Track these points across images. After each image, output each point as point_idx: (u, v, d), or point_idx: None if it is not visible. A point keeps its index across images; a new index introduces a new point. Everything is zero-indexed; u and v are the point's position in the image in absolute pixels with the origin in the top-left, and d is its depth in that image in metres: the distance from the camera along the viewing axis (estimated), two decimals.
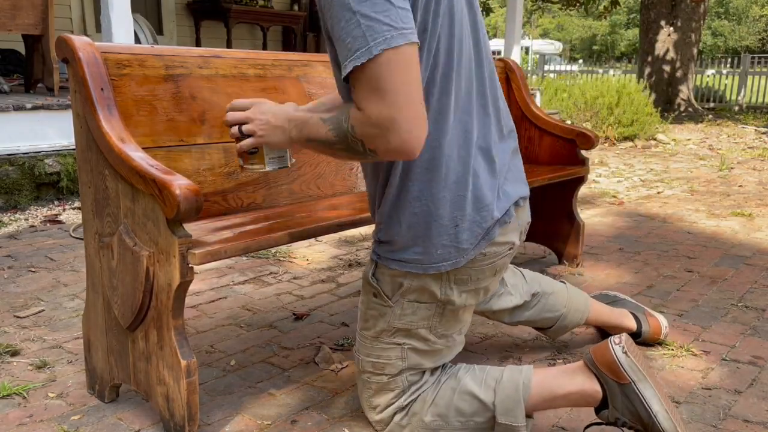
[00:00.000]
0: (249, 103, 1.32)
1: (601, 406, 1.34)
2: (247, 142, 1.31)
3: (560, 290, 1.77)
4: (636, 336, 1.87)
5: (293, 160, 1.42)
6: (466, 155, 1.25)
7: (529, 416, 1.35)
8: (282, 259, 2.83)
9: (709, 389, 1.68)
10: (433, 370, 1.41)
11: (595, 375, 1.34)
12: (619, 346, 1.32)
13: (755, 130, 8.74)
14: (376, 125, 1.03)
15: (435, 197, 1.24)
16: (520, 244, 1.41)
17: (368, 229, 3.37)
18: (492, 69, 1.34)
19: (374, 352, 1.38)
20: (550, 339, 1.82)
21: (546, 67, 16.76)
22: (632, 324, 1.88)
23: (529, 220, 1.46)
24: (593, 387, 1.33)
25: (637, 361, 1.31)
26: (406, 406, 1.38)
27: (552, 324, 1.76)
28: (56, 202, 3.75)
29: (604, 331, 1.96)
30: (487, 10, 12.76)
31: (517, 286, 1.70)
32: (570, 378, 1.35)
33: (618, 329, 1.87)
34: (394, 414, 1.39)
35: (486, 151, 1.30)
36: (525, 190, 1.40)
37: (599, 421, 1.37)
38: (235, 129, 1.32)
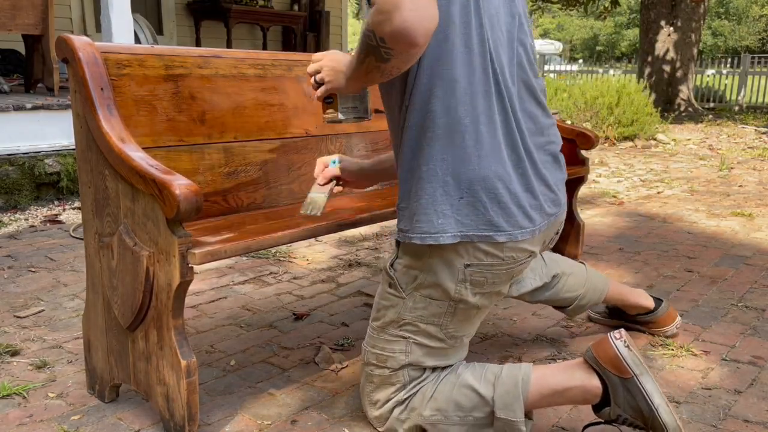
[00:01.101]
0: (321, 56, 1.39)
1: (600, 404, 1.34)
2: (320, 90, 1.39)
3: (580, 271, 1.81)
4: (651, 312, 1.93)
5: (371, 116, 1.47)
6: (486, 132, 1.24)
7: (528, 417, 1.35)
8: (282, 259, 2.83)
9: (709, 389, 1.68)
10: (434, 368, 1.41)
11: (596, 371, 1.33)
12: (620, 340, 1.32)
13: (755, 130, 8.75)
14: (381, 9, 1.03)
15: (446, 163, 1.24)
16: (543, 249, 1.43)
17: (368, 229, 3.37)
18: (524, 58, 1.33)
19: (379, 344, 1.39)
20: (569, 317, 1.87)
21: (546, 67, 16.76)
22: (650, 303, 1.93)
23: (560, 228, 1.46)
24: (593, 383, 1.33)
25: (638, 355, 1.31)
26: (405, 400, 1.39)
27: (570, 303, 1.80)
28: (56, 202, 3.75)
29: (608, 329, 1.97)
30: None
31: (536, 269, 1.71)
32: (570, 374, 1.35)
33: (636, 308, 1.92)
34: (393, 408, 1.39)
35: (511, 142, 1.28)
36: (558, 210, 1.39)
37: (598, 420, 1.37)
38: (312, 80, 1.40)
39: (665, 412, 1.29)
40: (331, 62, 1.36)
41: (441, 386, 1.37)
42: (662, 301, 1.94)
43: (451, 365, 1.43)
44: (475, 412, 1.34)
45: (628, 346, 1.32)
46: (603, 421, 1.36)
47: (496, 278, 1.32)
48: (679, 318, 1.97)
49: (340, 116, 1.41)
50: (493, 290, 1.35)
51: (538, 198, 1.32)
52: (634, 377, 1.30)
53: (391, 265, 1.37)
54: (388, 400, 1.40)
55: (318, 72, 1.39)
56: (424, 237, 1.27)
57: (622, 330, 1.35)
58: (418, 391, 1.38)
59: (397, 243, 1.37)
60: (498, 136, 1.26)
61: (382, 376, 1.39)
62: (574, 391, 1.34)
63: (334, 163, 1.60)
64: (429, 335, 1.36)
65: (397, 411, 1.39)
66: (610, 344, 1.33)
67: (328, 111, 1.43)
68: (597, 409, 1.35)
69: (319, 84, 1.40)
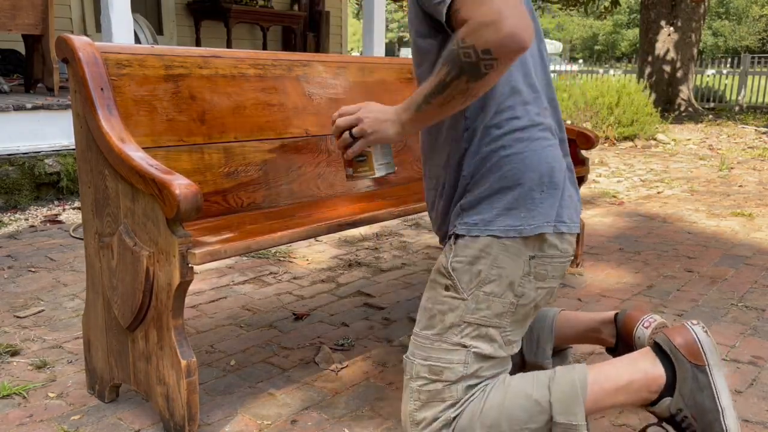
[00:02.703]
0: (356, 108, 1.31)
1: (659, 398, 1.26)
2: (358, 144, 1.31)
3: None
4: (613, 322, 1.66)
5: (395, 167, 1.42)
6: (550, 133, 1.29)
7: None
8: (282, 259, 2.83)
9: None
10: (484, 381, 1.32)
11: (664, 356, 1.26)
12: (698, 326, 1.28)
13: (755, 130, 8.74)
14: (484, 22, 1.05)
15: (525, 158, 1.24)
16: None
17: (368, 229, 3.37)
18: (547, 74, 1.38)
19: (434, 354, 1.27)
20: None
21: None
22: (609, 314, 1.64)
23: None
24: (657, 371, 1.25)
25: (715, 345, 1.26)
26: (454, 419, 1.26)
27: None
28: (56, 202, 3.75)
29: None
30: None
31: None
32: (631, 365, 1.28)
33: (596, 321, 1.62)
34: (441, 429, 1.27)
35: (560, 140, 1.34)
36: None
37: (654, 422, 1.31)
38: (345, 134, 1.31)
39: (731, 416, 1.22)
40: (372, 113, 1.30)
41: (490, 400, 1.26)
42: (618, 314, 1.63)
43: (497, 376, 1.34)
44: (531, 423, 1.24)
45: (706, 332, 1.27)
46: (657, 421, 1.28)
47: (555, 271, 1.29)
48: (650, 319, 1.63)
49: (377, 174, 1.33)
50: (551, 286, 1.30)
51: (577, 197, 1.36)
52: (708, 366, 1.23)
53: (451, 264, 1.27)
54: (435, 419, 1.26)
55: (353, 125, 1.30)
56: (507, 230, 1.23)
57: (698, 321, 1.31)
58: (464, 410, 1.26)
59: (454, 241, 1.29)
60: (555, 136, 1.32)
61: (433, 391, 1.26)
62: (637, 384, 1.25)
63: None
64: (490, 340, 1.26)
65: None
66: (687, 329, 1.27)
67: (359, 168, 1.34)
68: (654, 403, 1.27)
69: (355, 138, 1.31)
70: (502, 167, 1.25)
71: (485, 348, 1.27)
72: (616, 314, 1.53)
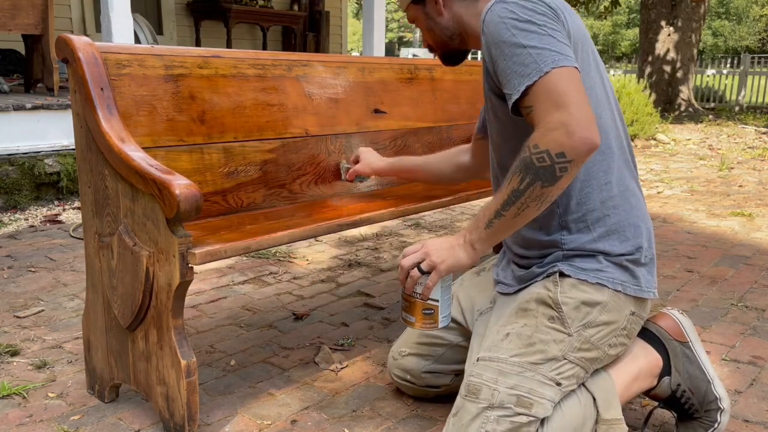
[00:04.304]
0: (418, 245, 1.27)
1: (658, 380, 1.37)
2: (431, 278, 1.24)
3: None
4: None
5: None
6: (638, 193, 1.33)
7: None
8: (282, 259, 2.83)
9: None
10: None
11: (656, 341, 1.38)
12: (675, 310, 1.43)
13: (755, 130, 8.74)
14: (556, 126, 1.07)
15: (642, 224, 1.29)
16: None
17: (368, 229, 3.37)
18: (625, 128, 1.36)
19: (527, 384, 1.19)
20: None
21: None
22: None
23: None
24: (655, 355, 1.37)
25: (692, 324, 1.41)
26: None
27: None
28: (56, 202, 3.75)
29: None
30: None
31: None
32: (632, 356, 1.36)
33: None
34: None
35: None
36: None
37: (656, 405, 1.41)
38: (414, 271, 1.25)
39: (720, 385, 1.36)
40: (436, 244, 1.25)
41: (553, 423, 1.22)
42: None
43: None
44: (583, 428, 1.24)
45: (682, 313, 1.42)
46: (658, 404, 1.39)
47: (635, 333, 1.33)
48: None
49: (439, 326, 1.29)
50: (628, 345, 1.33)
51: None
52: (690, 343, 1.38)
53: (560, 298, 1.24)
54: None
55: (420, 261, 1.24)
56: (637, 290, 1.27)
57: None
58: None
59: (559, 277, 1.26)
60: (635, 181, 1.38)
61: (516, 424, 1.18)
62: (645, 371, 1.35)
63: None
64: (577, 380, 1.25)
65: None
66: (667, 314, 1.42)
67: (426, 321, 1.28)
68: (654, 386, 1.37)
69: (424, 273, 1.24)
70: (626, 230, 1.27)
71: (571, 387, 1.25)
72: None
